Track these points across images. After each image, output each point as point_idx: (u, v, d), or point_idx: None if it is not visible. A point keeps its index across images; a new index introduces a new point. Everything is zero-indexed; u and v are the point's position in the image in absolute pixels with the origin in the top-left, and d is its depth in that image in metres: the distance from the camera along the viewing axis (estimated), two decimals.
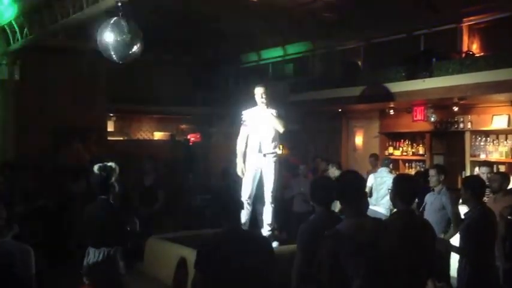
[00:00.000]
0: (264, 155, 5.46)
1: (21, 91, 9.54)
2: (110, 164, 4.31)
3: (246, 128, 5.56)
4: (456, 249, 4.65)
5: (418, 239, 3.44)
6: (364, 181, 3.18)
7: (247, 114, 5.58)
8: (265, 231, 5.66)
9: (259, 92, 5.46)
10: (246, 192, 5.53)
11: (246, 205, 5.39)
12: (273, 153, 5.51)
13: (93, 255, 4.16)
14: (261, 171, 5.55)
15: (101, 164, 4.31)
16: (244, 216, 5.38)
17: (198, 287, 3.06)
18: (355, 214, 2.95)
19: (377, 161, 8.82)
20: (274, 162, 5.52)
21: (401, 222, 3.43)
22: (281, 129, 5.48)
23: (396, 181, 3.85)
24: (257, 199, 5.75)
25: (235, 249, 3.11)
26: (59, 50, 9.86)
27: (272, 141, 5.51)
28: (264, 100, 5.43)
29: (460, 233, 4.70)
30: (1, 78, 9.23)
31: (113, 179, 4.30)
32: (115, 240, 4.20)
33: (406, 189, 3.76)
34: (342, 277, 2.74)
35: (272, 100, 5.58)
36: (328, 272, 2.79)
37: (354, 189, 3.01)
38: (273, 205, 5.61)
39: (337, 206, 5.01)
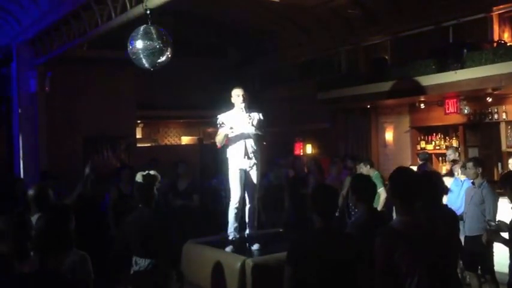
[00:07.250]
0: (249, 157, 5.24)
1: (52, 102, 9.71)
2: (152, 172, 4.29)
3: (224, 128, 5.24)
4: (506, 242, 4.54)
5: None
6: (418, 179, 3.11)
7: (223, 118, 5.29)
8: (249, 231, 5.46)
9: (239, 93, 5.19)
10: (235, 196, 5.28)
11: (235, 210, 5.26)
12: (256, 154, 5.29)
13: (140, 264, 4.14)
14: (245, 172, 5.30)
15: (144, 173, 4.30)
16: (237, 219, 5.27)
17: (289, 282, 3.12)
18: (407, 212, 2.90)
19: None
20: (257, 163, 5.29)
21: None
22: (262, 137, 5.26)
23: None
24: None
25: (326, 246, 3.14)
26: (88, 60, 9.99)
27: (255, 143, 5.27)
28: (243, 102, 5.18)
29: (509, 227, 4.58)
30: (33, 92, 9.41)
31: (155, 187, 4.29)
32: (162, 249, 4.17)
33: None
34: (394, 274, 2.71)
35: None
36: (381, 269, 2.77)
37: (407, 186, 2.95)
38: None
39: None
